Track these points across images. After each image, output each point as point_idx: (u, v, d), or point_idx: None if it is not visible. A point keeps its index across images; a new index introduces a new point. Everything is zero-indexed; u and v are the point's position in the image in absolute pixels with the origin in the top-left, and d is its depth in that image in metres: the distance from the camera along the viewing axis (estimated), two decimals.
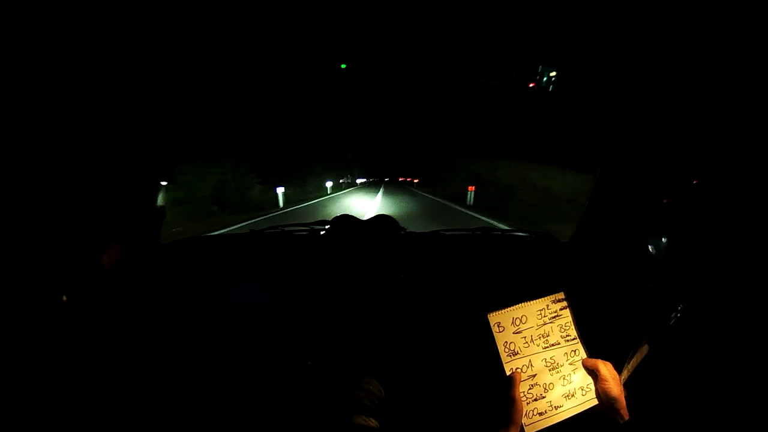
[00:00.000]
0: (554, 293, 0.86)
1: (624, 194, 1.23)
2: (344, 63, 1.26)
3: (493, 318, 0.82)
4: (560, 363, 0.82)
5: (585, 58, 1.13)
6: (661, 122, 1.06)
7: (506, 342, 0.82)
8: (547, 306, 0.85)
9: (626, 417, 0.78)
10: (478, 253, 1.48)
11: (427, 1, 1.06)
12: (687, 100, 0.97)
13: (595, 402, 0.80)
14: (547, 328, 0.84)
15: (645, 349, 0.89)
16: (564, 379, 0.82)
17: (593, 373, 0.81)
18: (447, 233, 1.59)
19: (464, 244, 1.57)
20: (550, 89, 1.22)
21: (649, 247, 1.15)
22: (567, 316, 0.85)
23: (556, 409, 0.79)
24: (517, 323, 0.83)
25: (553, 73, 1.21)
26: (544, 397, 0.80)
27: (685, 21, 0.89)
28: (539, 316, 0.84)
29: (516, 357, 0.81)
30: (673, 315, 0.88)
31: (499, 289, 1.35)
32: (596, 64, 1.12)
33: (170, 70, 1.12)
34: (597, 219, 1.36)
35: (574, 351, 0.84)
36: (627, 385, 0.83)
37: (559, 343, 0.83)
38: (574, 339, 0.84)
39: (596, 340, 0.86)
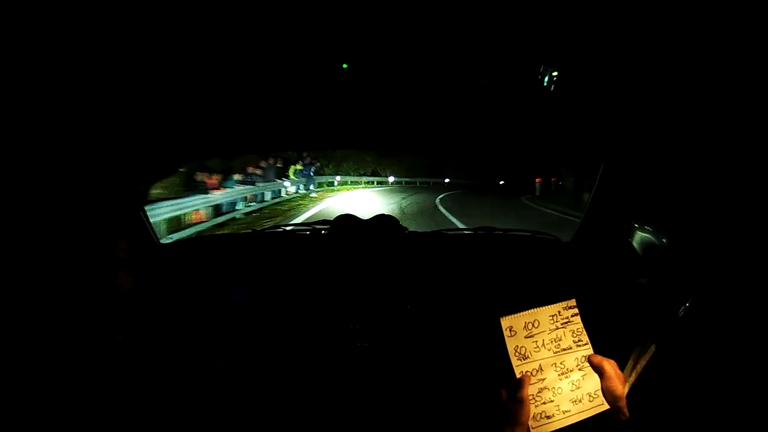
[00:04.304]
0: (561, 295, 0.86)
1: (625, 194, 1.22)
2: (346, 63, 1.27)
3: (506, 322, 0.82)
4: (570, 368, 0.82)
5: (587, 58, 1.12)
6: (663, 121, 1.06)
7: (517, 346, 0.82)
8: (559, 312, 0.84)
9: (627, 415, 0.79)
10: (479, 253, 1.48)
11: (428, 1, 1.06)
12: (690, 100, 0.97)
13: (603, 408, 0.80)
14: (560, 332, 0.83)
15: (652, 348, 0.89)
16: (573, 384, 0.82)
17: (598, 370, 0.81)
18: (449, 233, 1.59)
19: (466, 243, 1.57)
20: (552, 89, 1.21)
21: (647, 243, 1.15)
22: (578, 323, 0.85)
23: (564, 413, 0.80)
24: (530, 327, 0.82)
25: (555, 73, 1.20)
26: (552, 401, 0.80)
27: (689, 20, 0.88)
28: (551, 321, 0.84)
29: (526, 361, 0.81)
30: (677, 312, 0.87)
31: (500, 289, 1.35)
32: (599, 64, 1.12)
33: (173, 70, 1.13)
34: (599, 219, 1.34)
35: (584, 356, 0.84)
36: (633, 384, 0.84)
37: (570, 348, 0.83)
38: (585, 344, 0.84)
39: (600, 340, 0.86)
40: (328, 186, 22.02)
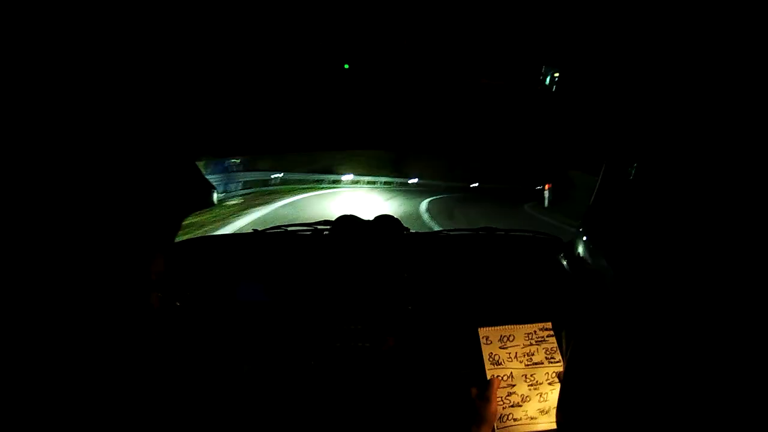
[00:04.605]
0: (561, 296, 0.98)
1: (627, 195, 1.28)
2: (347, 63, 1.25)
3: (483, 332, 0.92)
4: (540, 381, 0.88)
5: (588, 58, 1.17)
6: (665, 122, 1.12)
7: (491, 353, 0.90)
8: (535, 332, 0.92)
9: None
10: (481, 253, 1.51)
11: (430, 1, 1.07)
12: (692, 101, 1.03)
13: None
14: (533, 348, 0.91)
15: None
16: (541, 396, 0.87)
17: None
18: (450, 233, 1.61)
19: (467, 244, 1.60)
20: (554, 89, 1.25)
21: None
22: (553, 343, 0.92)
23: (531, 420, 0.85)
24: (504, 340, 0.91)
25: (557, 74, 1.24)
26: (520, 406, 0.86)
27: (691, 20, 0.94)
28: (526, 338, 0.91)
29: (498, 367, 0.89)
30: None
31: (502, 290, 1.39)
32: (600, 64, 1.17)
33: (175, 72, 1.07)
34: (600, 219, 1.41)
35: (555, 372, 0.89)
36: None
37: (542, 363, 0.90)
38: (558, 362, 0.90)
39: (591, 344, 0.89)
40: (262, 186, 16.03)
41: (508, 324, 0.93)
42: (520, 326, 0.92)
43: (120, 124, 0.93)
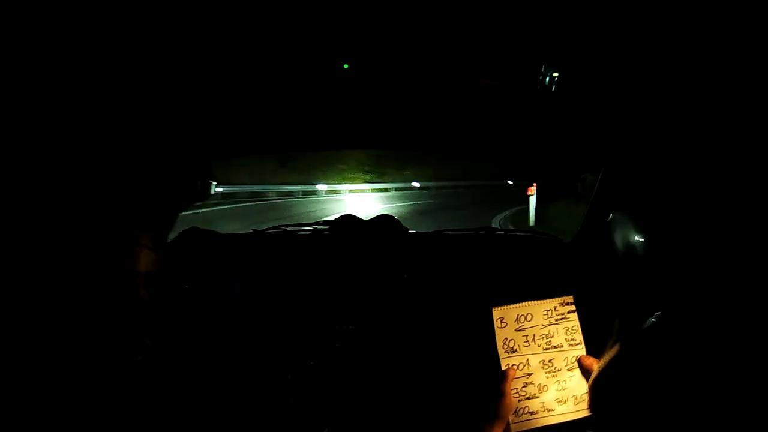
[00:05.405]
0: (562, 295, 0.84)
1: (627, 194, 1.29)
2: (346, 63, 1.25)
3: (497, 312, 0.82)
4: (558, 367, 0.81)
5: (589, 59, 1.18)
6: (664, 121, 1.13)
7: (506, 338, 0.81)
8: (555, 308, 0.83)
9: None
10: (481, 253, 1.52)
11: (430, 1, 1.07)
12: (691, 100, 1.04)
13: (587, 413, 0.78)
14: (552, 329, 0.82)
15: (617, 347, 0.82)
16: (559, 384, 0.80)
17: (588, 373, 0.79)
18: (450, 233, 1.61)
19: (467, 244, 1.60)
20: (553, 89, 1.26)
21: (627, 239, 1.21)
22: (574, 320, 0.83)
23: (548, 411, 0.78)
24: (521, 320, 0.82)
25: (556, 74, 1.25)
26: (537, 397, 0.79)
27: (690, 20, 0.94)
28: (545, 317, 0.83)
29: (513, 354, 0.80)
30: (643, 322, 0.90)
31: (501, 290, 1.39)
32: (599, 64, 1.17)
33: (175, 70, 1.06)
34: (600, 219, 1.42)
35: (576, 357, 0.82)
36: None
37: (561, 346, 0.82)
38: (578, 344, 0.82)
39: (598, 342, 0.85)
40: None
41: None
42: (539, 302, 0.83)
43: (108, 119, 0.91)
